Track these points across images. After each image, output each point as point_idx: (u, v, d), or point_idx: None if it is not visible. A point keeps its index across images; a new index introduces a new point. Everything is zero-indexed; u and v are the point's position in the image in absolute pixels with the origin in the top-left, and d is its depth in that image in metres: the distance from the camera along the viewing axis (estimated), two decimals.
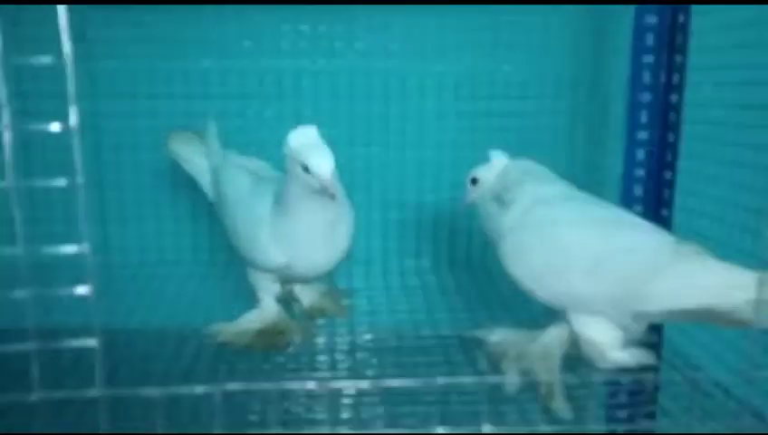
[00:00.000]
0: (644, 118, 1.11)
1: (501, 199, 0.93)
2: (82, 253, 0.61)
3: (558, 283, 0.85)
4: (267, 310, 1.02)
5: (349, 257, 1.00)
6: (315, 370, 0.93)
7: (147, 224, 1.33)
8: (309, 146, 0.86)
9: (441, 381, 0.74)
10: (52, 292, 0.62)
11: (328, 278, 1.10)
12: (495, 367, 0.88)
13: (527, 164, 0.98)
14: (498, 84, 1.30)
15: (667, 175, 1.08)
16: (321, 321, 1.07)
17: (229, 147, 1.10)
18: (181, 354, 0.94)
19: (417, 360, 0.94)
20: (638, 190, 1.13)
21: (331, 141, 0.87)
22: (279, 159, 0.92)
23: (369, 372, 0.93)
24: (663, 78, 1.09)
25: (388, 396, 0.82)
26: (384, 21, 1.27)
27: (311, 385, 0.76)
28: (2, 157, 0.59)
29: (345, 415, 0.90)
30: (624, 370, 0.84)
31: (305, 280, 1.04)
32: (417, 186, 1.34)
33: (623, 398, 1.00)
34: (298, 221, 0.91)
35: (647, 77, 1.10)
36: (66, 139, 0.59)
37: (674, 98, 1.07)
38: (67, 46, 0.57)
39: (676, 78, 1.06)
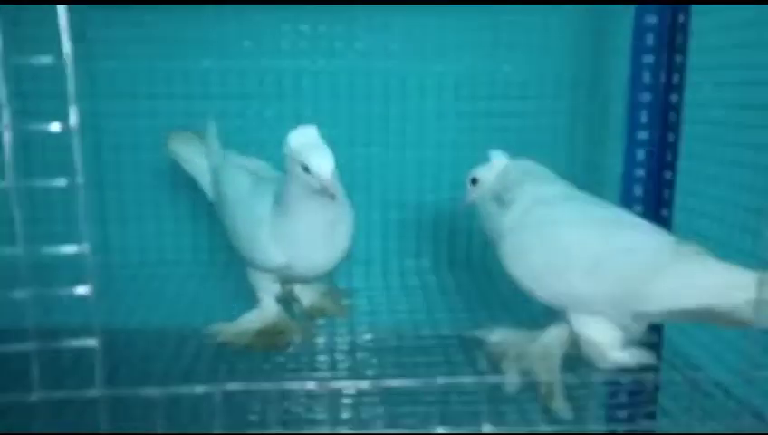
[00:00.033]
0: (644, 118, 1.11)
1: (501, 199, 0.93)
2: (82, 253, 0.61)
3: (558, 283, 0.85)
4: (267, 310, 1.02)
5: (349, 257, 1.00)
6: (315, 370, 0.93)
7: (147, 224, 1.33)
8: (309, 146, 0.86)
9: (441, 381, 0.74)
10: (52, 292, 0.62)
11: (328, 278, 1.10)
12: (495, 367, 0.88)
13: (527, 164, 0.98)
14: (498, 84, 1.30)
15: (667, 175, 1.08)
16: (321, 321, 1.07)
17: (229, 147, 1.10)
18: (181, 354, 0.94)
19: (417, 360, 0.93)
20: (638, 190, 1.13)
21: (331, 141, 0.87)
22: (279, 159, 0.92)
23: (369, 372, 0.93)
24: (663, 78, 1.09)
25: (388, 396, 0.82)
26: (384, 21, 1.27)
27: (311, 385, 0.76)
28: (2, 157, 0.59)
29: (345, 415, 0.90)
30: (624, 370, 0.84)
31: (305, 280, 1.04)
32: (417, 186, 1.34)
33: (623, 398, 1.00)
34: (298, 221, 0.91)
35: (647, 77, 1.10)
36: (66, 139, 0.59)
37: (674, 98, 1.07)
38: (67, 46, 0.57)
39: (676, 78, 1.06)
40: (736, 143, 0.91)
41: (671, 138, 1.08)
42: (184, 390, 0.72)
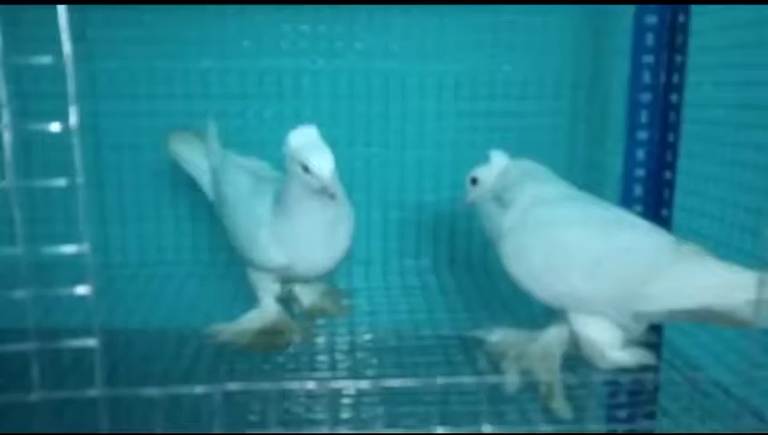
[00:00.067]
0: (644, 118, 1.11)
1: (501, 199, 0.93)
2: (82, 253, 0.61)
3: (558, 283, 0.85)
4: (267, 310, 1.02)
5: (349, 257, 1.00)
6: (315, 370, 0.93)
7: (147, 224, 1.33)
8: (309, 146, 0.86)
9: (441, 381, 0.74)
10: (52, 292, 0.62)
11: (328, 278, 1.10)
12: (495, 367, 0.88)
13: (527, 164, 0.98)
14: (498, 84, 1.30)
15: (667, 175, 1.08)
16: (321, 321, 1.07)
17: (229, 147, 1.10)
18: (181, 354, 0.94)
19: (417, 360, 0.93)
20: (638, 190, 1.13)
21: (331, 141, 0.87)
22: (279, 159, 0.92)
23: (369, 372, 0.93)
24: (663, 78, 1.09)
25: (388, 396, 0.82)
26: (384, 21, 1.27)
27: (311, 385, 0.76)
28: (2, 156, 0.59)
29: (345, 415, 0.90)
30: (624, 370, 0.84)
31: (305, 280, 1.04)
32: (417, 186, 1.34)
33: (623, 398, 1.00)
34: (298, 221, 0.91)
35: (647, 77, 1.10)
36: (66, 139, 0.59)
37: (674, 98, 1.07)
38: (67, 46, 0.57)
39: (676, 78, 1.06)
40: (736, 143, 0.91)
41: (671, 138, 1.08)
42: (184, 390, 0.72)
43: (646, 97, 1.11)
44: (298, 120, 0.94)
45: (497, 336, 0.93)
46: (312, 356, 0.97)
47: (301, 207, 0.90)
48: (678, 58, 1.06)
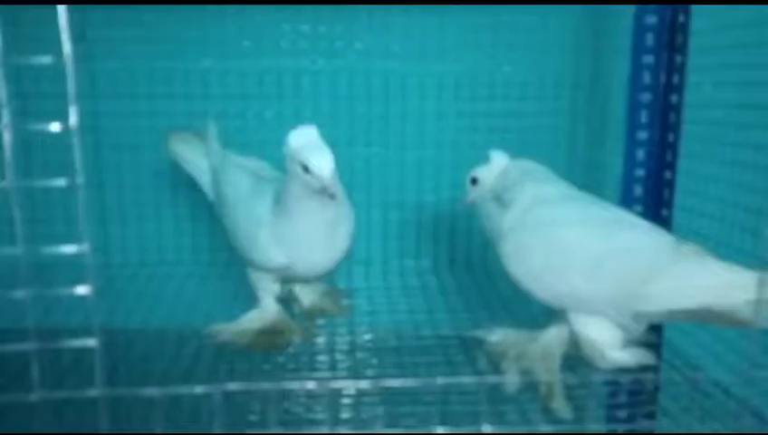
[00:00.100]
0: (644, 118, 1.11)
1: (501, 199, 0.93)
2: (82, 253, 0.61)
3: (558, 283, 0.85)
4: (267, 310, 1.02)
5: (349, 257, 1.00)
6: (315, 370, 0.93)
7: (147, 224, 1.33)
8: (309, 146, 0.86)
9: (441, 381, 0.74)
10: (52, 292, 0.62)
11: (328, 278, 1.10)
12: (495, 367, 0.88)
13: (527, 164, 0.98)
14: (498, 85, 1.30)
15: (668, 175, 1.08)
16: (321, 321, 1.07)
17: (229, 147, 1.10)
18: (181, 354, 0.94)
19: (417, 360, 0.93)
20: (638, 190, 1.13)
21: (331, 141, 0.87)
22: (279, 160, 0.92)
23: (369, 372, 0.93)
24: (663, 78, 1.09)
25: (388, 396, 0.82)
26: (384, 21, 1.27)
27: (311, 385, 0.76)
28: (2, 157, 0.59)
29: (345, 415, 0.90)
30: (624, 370, 0.84)
31: (305, 280, 1.04)
32: (417, 186, 1.34)
33: (623, 398, 1.00)
34: (298, 221, 0.91)
35: (647, 77, 1.10)
36: (66, 139, 0.59)
37: (674, 98, 1.07)
38: (67, 46, 0.57)
39: (676, 78, 1.06)
40: (736, 143, 0.91)
41: (671, 138, 1.07)
42: (184, 390, 0.72)
43: (646, 97, 1.11)
44: (298, 120, 0.94)
45: (497, 336, 0.93)
46: (312, 356, 0.97)
47: (301, 208, 0.90)
48: (678, 58, 1.06)
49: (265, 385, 0.75)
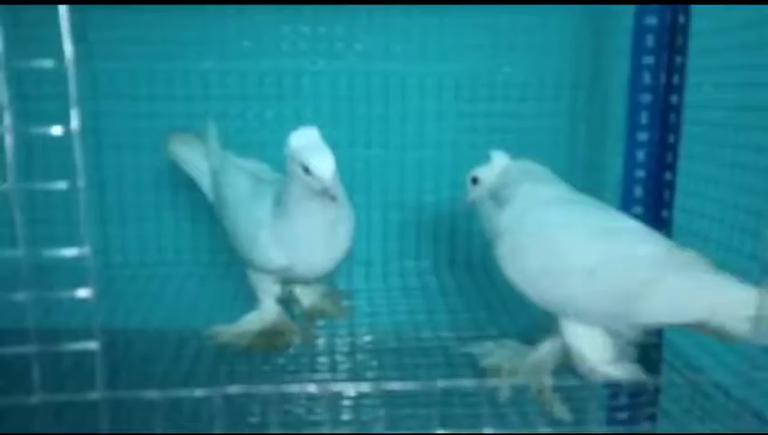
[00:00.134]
0: (644, 119, 1.11)
1: (498, 198, 0.92)
2: (83, 256, 0.61)
3: (553, 286, 0.84)
4: (267, 311, 1.02)
5: (349, 258, 1.00)
6: (315, 371, 0.93)
7: (147, 224, 1.33)
8: (309, 147, 0.86)
9: (441, 384, 0.74)
10: (52, 295, 0.62)
11: (328, 279, 1.10)
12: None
13: (528, 164, 0.98)
14: (498, 85, 1.30)
15: (668, 176, 1.08)
16: (321, 322, 1.07)
17: (229, 148, 1.10)
18: (181, 356, 0.94)
19: (417, 361, 0.94)
20: (638, 191, 1.13)
21: (332, 143, 0.87)
22: (279, 161, 0.92)
23: (370, 374, 0.93)
24: (663, 79, 1.09)
25: (389, 398, 0.82)
26: (384, 22, 1.27)
27: (311, 388, 0.76)
28: (3, 159, 0.59)
29: (345, 417, 0.90)
30: None
31: (305, 281, 1.04)
32: (417, 187, 1.34)
33: (624, 400, 1.00)
34: (298, 222, 0.91)
35: (647, 78, 1.10)
36: (67, 141, 0.59)
37: (674, 99, 1.07)
38: (69, 49, 0.57)
39: (676, 79, 1.06)
40: (736, 145, 0.91)
41: (671, 139, 1.07)
42: (184, 393, 0.72)
43: (646, 98, 1.11)
44: (298, 121, 0.94)
45: (489, 351, 0.93)
46: (312, 358, 0.97)
47: (301, 209, 0.90)
48: (678, 59, 1.06)
49: (266, 388, 0.75)
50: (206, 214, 1.24)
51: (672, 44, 1.07)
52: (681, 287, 0.79)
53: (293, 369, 0.94)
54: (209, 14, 1.24)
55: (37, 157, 0.98)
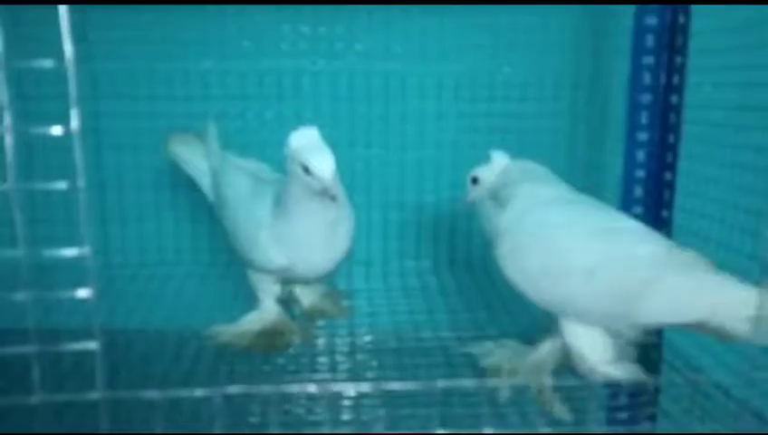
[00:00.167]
0: (644, 119, 1.11)
1: (498, 198, 0.92)
2: (83, 256, 0.61)
3: (553, 286, 0.84)
4: (267, 311, 1.02)
5: (349, 258, 1.00)
6: (315, 371, 0.93)
7: (147, 224, 1.33)
8: (309, 147, 0.86)
9: (441, 384, 0.74)
10: (53, 295, 0.62)
11: (328, 279, 1.10)
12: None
13: (528, 164, 0.98)
14: (498, 85, 1.30)
15: (668, 176, 1.08)
16: (321, 322, 1.07)
17: (230, 148, 1.10)
18: (181, 355, 0.94)
19: (417, 361, 0.94)
20: (638, 191, 1.13)
21: (332, 143, 0.87)
22: (279, 161, 0.92)
23: (370, 374, 0.93)
24: (663, 79, 1.09)
25: (389, 398, 0.82)
26: (384, 22, 1.27)
27: (311, 388, 0.76)
28: (3, 159, 0.59)
29: (346, 417, 0.90)
30: None
31: (305, 281, 1.04)
32: (417, 187, 1.34)
33: (624, 400, 1.00)
34: (298, 222, 0.91)
35: (647, 78, 1.10)
36: (67, 141, 0.59)
37: (674, 99, 1.07)
38: (69, 49, 0.57)
39: (676, 79, 1.06)
40: (736, 145, 0.91)
41: (671, 139, 1.07)
42: (184, 393, 0.72)
43: (646, 98, 1.11)
44: (298, 121, 0.94)
45: (489, 351, 0.93)
46: (312, 358, 0.97)
47: (301, 209, 0.90)
48: (678, 59, 1.06)
49: (266, 388, 0.75)
50: (206, 214, 1.24)
51: (672, 44, 1.07)
52: (681, 287, 0.79)
53: (293, 369, 0.94)
54: (209, 14, 1.24)
55: (37, 157, 0.98)
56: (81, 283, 0.62)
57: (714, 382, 0.85)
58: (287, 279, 1.00)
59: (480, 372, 0.89)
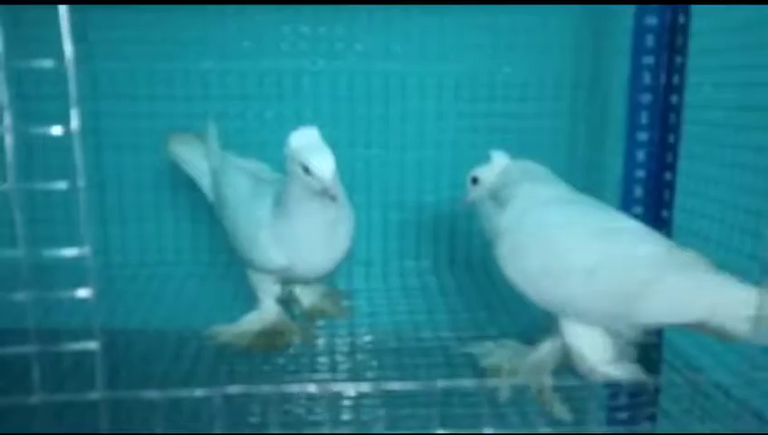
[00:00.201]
0: (644, 119, 1.11)
1: (498, 198, 0.92)
2: (83, 256, 0.61)
3: (553, 286, 0.84)
4: (267, 311, 1.02)
5: (349, 258, 1.00)
6: (315, 371, 0.93)
7: (147, 224, 1.33)
8: (310, 147, 0.86)
9: (441, 384, 0.74)
10: (53, 295, 0.62)
11: (328, 279, 1.10)
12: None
13: (528, 164, 0.98)
14: (498, 85, 1.30)
15: (668, 176, 1.08)
16: (321, 322, 1.07)
17: (230, 148, 1.10)
18: (181, 356, 0.94)
19: (417, 361, 0.94)
20: (638, 191, 1.13)
21: (332, 143, 0.87)
22: (279, 161, 0.92)
23: (370, 374, 0.93)
24: (663, 79, 1.09)
25: (389, 398, 0.82)
26: (384, 22, 1.27)
27: (311, 388, 0.76)
28: (3, 159, 0.59)
29: (346, 416, 0.90)
30: None
31: (305, 281, 1.04)
32: (417, 187, 1.34)
33: (624, 400, 1.00)
34: (298, 222, 0.91)
35: (647, 78, 1.10)
36: (67, 141, 0.59)
37: (674, 99, 1.07)
38: (69, 49, 0.57)
39: (676, 79, 1.06)
40: (737, 145, 0.91)
41: (671, 139, 1.07)
42: (184, 393, 0.72)
43: (646, 98, 1.11)
44: (298, 121, 0.94)
45: (489, 351, 0.93)
46: (312, 358, 0.97)
47: (301, 209, 0.90)
48: (678, 59, 1.06)
49: (266, 388, 0.75)
50: (206, 214, 1.24)
51: (672, 44, 1.07)
52: (681, 287, 0.79)
53: (293, 369, 0.94)
54: (209, 14, 1.24)
55: (37, 157, 0.98)
56: (81, 283, 0.62)
57: (714, 382, 0.85)
58: (287, 279, 1.00)
59: (480, 372, 0.89)
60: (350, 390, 0.80)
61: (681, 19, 1.05)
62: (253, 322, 1.00)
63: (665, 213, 1.08)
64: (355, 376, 0.92)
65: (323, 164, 0.84)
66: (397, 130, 1.31)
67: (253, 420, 0.87)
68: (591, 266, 0.81)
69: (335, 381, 0.88)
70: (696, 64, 1.03)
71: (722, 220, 0.93)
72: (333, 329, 1.05)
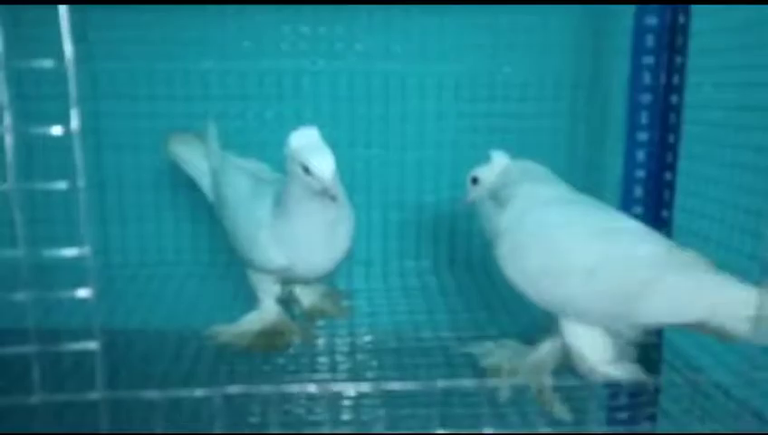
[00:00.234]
0: (644, 119, 1.11)
1: (498, 198, 0.92)
2: (83, 256, 0.61)
3: (553, 287, 0.84)
4: (267, 311, 1.02)
5: (349, 258, 1.00)
6: (315, 371, 0.93)
7: (147, 224, 1.33)
8: (310, 147, 0.86)
9: (441, 384, 0.74)
10: (53, 295, 0.62)
11: (328, 279, 1.10)
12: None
13: (528, 164, 0.98)
14: (498, 85, 1.30)
15: (668, 176, 1.08)
16: (321, 322, 1.07)
17: (230, 148, 1.10)
18: (181, 356, 0.94)
19: (417, 361, 0.94)
20: (638, 191, 1.13)
21: (332, 143, 0.87)
22: (279, 161, 0.92)
23: (370, 374, 0.93)
24: (663, 79, 1.09)
25: (389, 398, 0.82)
26: (384, 22, 1.27)
27: (311, 388, 0.76)
28: (3, 159, 0.59)
29: (346, 416, 0.90)
30: None
31: (305, 281, 1.04)
32: (417, 187, 1.34)
33: (624, 400, 1.00)
34: (298, 222, 0.91)
35: (647, 78, 1.10)
36: (67, 141, 0.59)
37: (674, 99, 1.07)
38: (69, 49, 0.57)
39: (676, 79, 1.06)
40: (736, 145, 0.91)
41: (671, 139, 1.07)
42: (184, 393, 0.72)
43: (646, 98, 1.11)
44: (298, 121, 0.94)
45: (489, 351, 0.93)
46: (312, 358, 0.97)
47: (301, 209, 0.90)
48: (678, 59, 1.06)
49: (266, 388, 0.75)
50: (206, 214, 1.24)
51: (672, 44, 1.07)
52: (681, 287, 0.79)
53: (293, 369, 0.94)
54: (209, 14, 1.24)
55: (37, 157, 0.98)
56: (81, 283, 0.62)
57: (714, 382, 0.85)
58: (287, 279, 1.00)
59: (480, 372, 0.89)
60: (350, 390, 0.80)
61: (681, 19, 1.05)
62: (253, 322, 1.00)
63: (665, 213, 1.08)
64: (355, 376, 0.92)
65: (323, 164, 0.84)
66: (397, 130, 1.31)
67: (253, 420, 0.87)
68: (591, 266, 0.81)
69: (335, 381, 0.88)
70: (695, 64, 1.03)
71: (722, 220, 0.93)
72: (333, 329, 1.05)
